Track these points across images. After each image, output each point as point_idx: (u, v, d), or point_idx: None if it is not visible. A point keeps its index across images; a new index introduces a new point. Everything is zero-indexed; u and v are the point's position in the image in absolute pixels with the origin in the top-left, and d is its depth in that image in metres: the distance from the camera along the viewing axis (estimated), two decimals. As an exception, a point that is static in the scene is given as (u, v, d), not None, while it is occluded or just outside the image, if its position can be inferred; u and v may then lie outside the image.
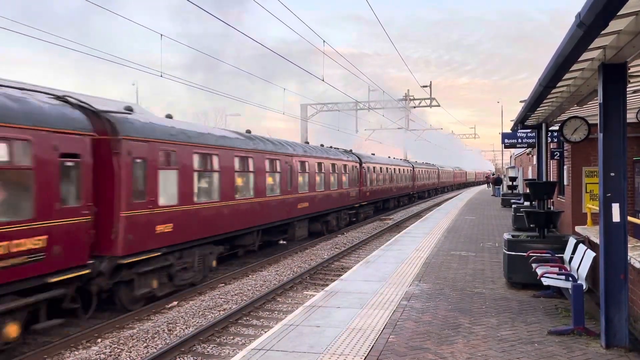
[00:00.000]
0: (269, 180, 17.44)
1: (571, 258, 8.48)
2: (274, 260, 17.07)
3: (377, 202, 33.36)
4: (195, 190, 12.93)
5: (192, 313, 10.84)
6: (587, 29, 4.72)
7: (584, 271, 7.35)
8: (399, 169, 39.77)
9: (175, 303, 11.70)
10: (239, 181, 15.35)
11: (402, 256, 13.40)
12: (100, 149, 10.14)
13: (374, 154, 35.55)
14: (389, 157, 42.62)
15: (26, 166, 8.46)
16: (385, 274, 11.09)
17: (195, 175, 12.97)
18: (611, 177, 6.20)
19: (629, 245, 6.67)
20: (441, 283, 10.18)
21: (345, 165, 26.02)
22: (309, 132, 42.56)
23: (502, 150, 60.54)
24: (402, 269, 11.66)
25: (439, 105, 39.71)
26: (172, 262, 11.90)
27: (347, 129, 43.80)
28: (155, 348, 8.85)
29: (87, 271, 9.55)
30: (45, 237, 8.67)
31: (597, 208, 7.39)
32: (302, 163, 20.51)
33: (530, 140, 22.93)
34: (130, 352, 8.69)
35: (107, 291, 10.47)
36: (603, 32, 4.97)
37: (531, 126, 14.28)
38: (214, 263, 13.86)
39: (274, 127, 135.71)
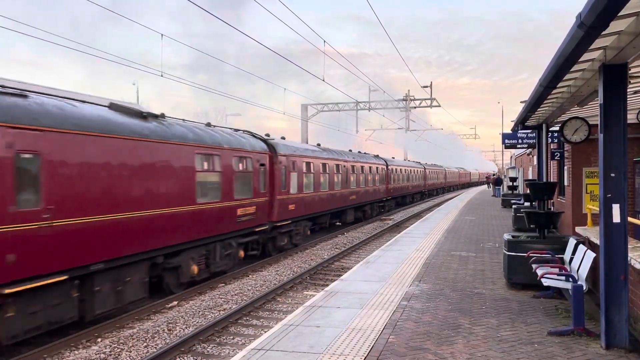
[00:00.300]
0: (335, 178, 24.42)
1: (571, 259, 8.48)
2: (274, 261, 17.08)
3: (397, 198, 39.72)
4: (312, 183, 21.24)
5: (192, 313, 10.84)
6: (588, 29, 4.71)
7: (584, 272, 7.35)
8: (414, 170, 46.18)
9: (175, 303, 11.70)
10: (322, 179, 22.60)
11: (402, 256, 13.40)
12: (269, 160, 17.34)
13: (394, 158, 43.19)
14: (404, 159, 49.13)
15: (248, 170, 15.71)
16: (385, 274, 11.09)
17: (305, 175, 20.44)
18: (611, 178, 6.20)
19: (629, 246, 6.67)
20: (441, 283, 10.17)
21: (377, 167, 32.63)
22: (309, 132, 42.57)
23: (503, 151, 60.53)
24: (402, 269, 11.66)
25: (439, 106, 39.70)
26: (292, 228, 19.07)
27: (348, 129, 43.83)
28: (155, 348, 8.86)
29: (266, 227, 16.90)
30: (254, 207, 15.95)
31: (598, 209, 7.39)
32: (352, 166, 27.17)
33: (531, 141, 22.92)
34: (130, 351, 8.69)
35: (263, 244, 17.28)
36: (604, 32, 4.96)
37: (532, 127, 14.29)
38: (308, 232, 21.28)
39: (273, 127, 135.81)
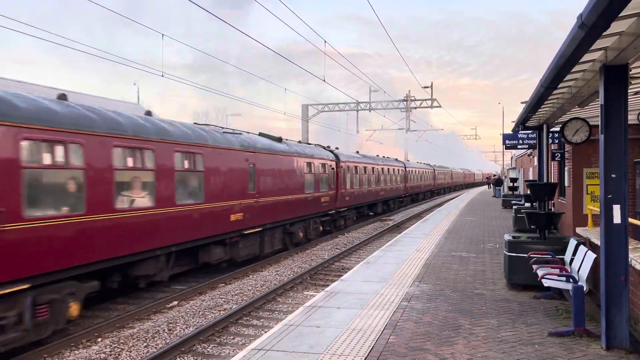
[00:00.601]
0: (372, 178, 31.00)
1: (572, 259, 8.48)
2: (274, 261, 17.08)
3: (412, 195, 46.63)
4: (358, 181, 27.79)
5: (192, 313, 10.84)
6: (589, 30, 4.71)
7: (584, 273, 7.35)
8: (426, 171, 53.73)
9: (175, 303, 11.70)
10: (364, 179, 29.24)
11: (402, 257, 13.39)
12: (335, 165, 23.97)
13: (408, 160, 51.40)
14: (417, 162, 55.33)
15: (326, 172, 22.23)
16: (385, 274, 11.09)
17: (357, 176, 27.76)
18: (612, 179, 6.20)
19: (629, 247, 6.67)
20: (442, 284, 10.17)
21: (398, 170, 39.48)
22: (309, 132, 42.55)
23: (503, 151, 60.49)
24: (402, 269, 11.65)
25: (439, 106, 39.71)
26: (346, 214, 25.84)
27: (348, 130, 43.79)
28: (156, 348, 8.85)
29: (333, 211, 23.53)
30: (328, 197, 22.61)
31: (598, 209, 7.39)
32: (382, 168, 33.80)
33: (531, 142, 22.93)
34: (131, 351, 8.69)
35: (329, 224, 23.67)
36: (605, 33, 4.96)
37: (532, 127, 14.28)
38: (354, 218, 27.77)
39: (275, 127, 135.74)
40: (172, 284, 14.06)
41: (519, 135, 22.94)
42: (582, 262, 7.64)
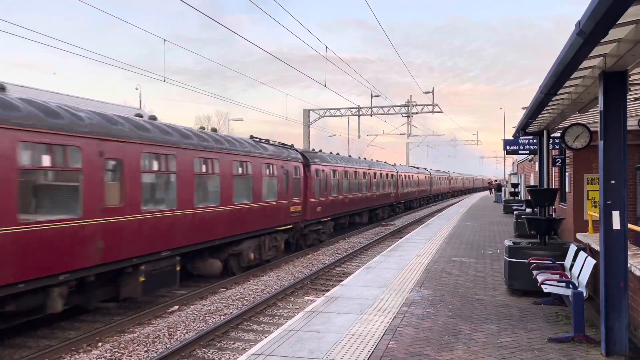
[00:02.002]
0: (354, 183, 28.65)
1: (572, 265, 8.48)
2: (275, 265, 17.08)
3: (434, 196, 60.18)
4: (335, 188, 25.05)
5: (192, 317, 10.85)
6: (587, 37, 4.74)
7: (584, 278, 7.35)
8: (442, 177, 66.96)
9: (176, 307, 11.72)
10: (352, 184, 28.24)
11: (403, 262, 13.39)
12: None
13: (431, 169, 62.97)
14: (436, 170, 67.38)
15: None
16: (386, 279, 11.09)
17: (335, 181, 24.97)
18: (611, 185, 6.21)
19: (629, 253, 6.68)
20: (442, 289, 10.17)
21: (425, 176, 52.72)
22: (311, 137, 42.58)
23: (505, 157, 60.43)
24: (403, 275, 11.66)
25: (441, 112, 39.75)
26: (320, 228, 22.39)
27: (349, 134, 43.79)
28: (156, 352, 8.86)
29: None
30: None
31: (598, 215, 7.39)
32: (367, 173, 31.84)
33: (532, 147, 22.93)
34: (131, 356, 8.70)
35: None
36: (603, 40, 4.99)
37: (533, 133, 14.30)
38: (332, 231, 24.63)
39: (275, 132, 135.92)
40: (172, 289, 14.07)
41: (520, 141, 22.94)
42: (582, 268, 7.64)
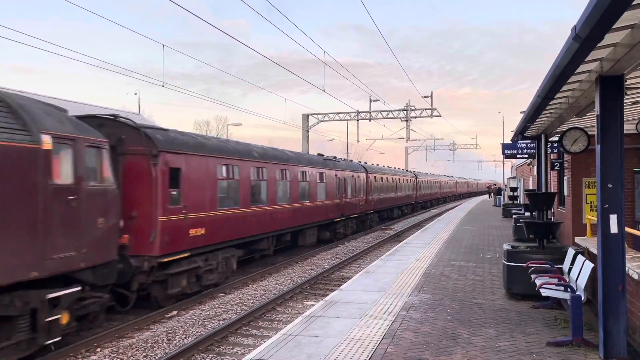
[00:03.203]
0: (440, 185, 58.01)
1: (570, 269, 8.49)
2: (274, 270, 17.07)
3: (454, 196, 77.65)
4: (423, 187, 48.82)
5: (191, 322, 10.84)
6: (583, 41, 4.76)
7: (582, 282, 7.36)
8: (449, 181, 77.39)
9: (175, 312, 11.70)
10: (432, 187, 53.27)
11: (402, 266, 13.40)
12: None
13: (452, 175, 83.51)
14: (452, 176, 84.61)
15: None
16: (385, 284, 11.09)
17: (426, 185, 50.89)
18: (609, 188, 6.23)
19: (627, 256, 6.69)
20: (441, 293, 10.17)
21: (449, 181, 73.57)
22: (310, 141, 42.62)
23: (503, 161, 60.50)
24: (401, 279, 11.66)
25: (439, 116, 39.81)
26: (372, 217, 31.68)
27: (348, 139, 43.88)
28: (155, 358, 8.85)
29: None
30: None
31: (596, 219, 7.40)
32: (446, 182, 62.26)
33: (531, 151, 22.96)
34: (129, 361, 8.68)
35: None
36: (599, 44, 5.01)
37: (531, 137, 14.32)
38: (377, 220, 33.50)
39: (274, 136, 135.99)
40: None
41: (519, 145, 22.98)
42: (580, 271, 7.65)
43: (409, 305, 9.18)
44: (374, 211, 31.99)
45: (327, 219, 23.16)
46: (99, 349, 9.33)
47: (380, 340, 7.19)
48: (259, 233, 16.46)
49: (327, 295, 11.23)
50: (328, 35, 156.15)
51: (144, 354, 9.03)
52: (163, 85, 20.88)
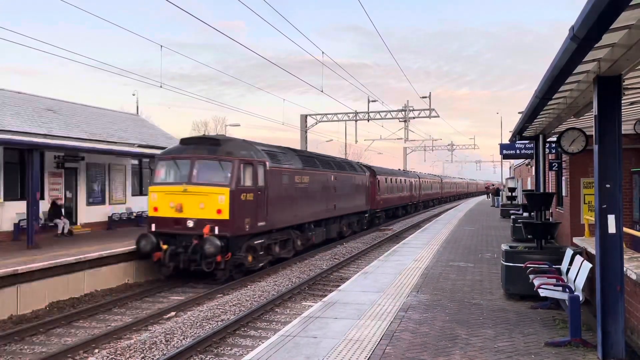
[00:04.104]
0: (450, 185, 73.87)
1: (568, 269, 8.49)
2: (273, 271, 17.06)
3: (449, 197, 77.42)
4: (389, 190, 39.33)
5: (189, 323, 10.82)
6: (581, 42, 4.75)
7: (580, 282, 7.36)
8: (452, 182, 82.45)
9: (173, 314, 11.69)
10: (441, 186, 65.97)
11: (400, 267, 13.39)
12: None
13: (452, 176, 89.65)
14: (453, 176, 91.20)
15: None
16: (383, 284, 11.09)
17: (388, 185, 40.50)
18: (606, 189, 6.22)
19: (625, 257, 6.69)
20: (439, 294, 10.17)
21: (462, 183, 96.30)
22: (308, 142, 42.60)
23: (502, 161, 60.54)
24: (400, 279, 11.65)
25: (438, 116, 39.82)
26: (380, 215, 35.67)
27: (347, 139, 43.94)
28: (153, 359, 8.83)
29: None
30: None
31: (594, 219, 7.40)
32: (462, 183, 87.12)
33: (529, 152, 22.97)
34: (127, 362, 8.66)
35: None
36: (597, 45, 5.00)
37: (529, 137, 14.33)
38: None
39: (273, 137, 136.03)
40: (169, 295, 14.05)
41: (517, 145, 23.00)
42: (579, 272, 7.65)
43: (408, 306, 9.17)
44: (380, 210, 36.35)
45: (358, 211, 29.21)
46: (96, 350, 9.31)
47: (378, 341, 7.18)
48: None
49: (325, 296, 11.22)
50: (326, 36, 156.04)
51: (142, 355, 9.00)
52: (161, 86, 20.86)
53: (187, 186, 14.87)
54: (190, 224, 14.70)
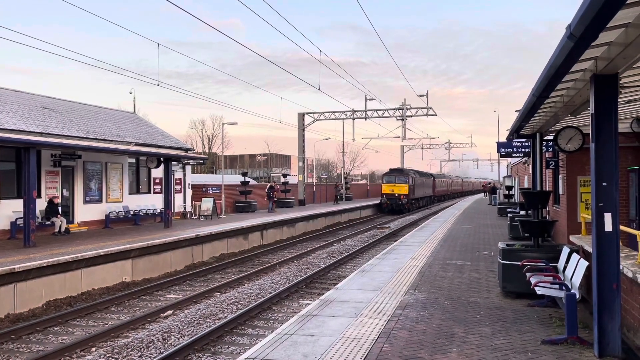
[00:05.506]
0: (458, 184, 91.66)
1: (565, 267, 8.51)
2: (270, 269, 17.07)
3: (456, 193, 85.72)
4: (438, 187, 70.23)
5: (187, 322, 10.82)
6: (578, 40, 4.76)
7: (577, 280, 7.37)
8: (460, 180, 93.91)
9: (170, 312, 11.69)
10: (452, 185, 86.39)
11: (397, 265, 13.40)
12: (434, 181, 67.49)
13: (460, 176, 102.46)
14: (460, 176, 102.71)
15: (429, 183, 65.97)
16: (380, 282, 11.10)
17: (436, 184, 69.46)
18: (603, 187, 6.24)
19: (622, 255, 6.71)
20: (436, 292, 10.18)
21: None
22: (305, 140, 42.60)
23: (499, 160, 60.63)
24: (397, 277, 11.66)
25: (435, 114, 39.84)
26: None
27: (344, 138, 43.95)
28: (150, 357, 8.83)
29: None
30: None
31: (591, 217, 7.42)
32: (454, 181, 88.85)
33: (526, 150, 22.98)
34: (125, 361, 8.66)
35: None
36: (593, 43, 5.01)
37: (526, 136, 14.33)
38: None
39: (270, 135, 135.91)
40: (167, 293, 14.06)
41: (514, 144, 22.98)
42: (575, 269, 7.67)
43: (405, 304, 9.18)
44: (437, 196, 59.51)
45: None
46: (94, 349, 9.31)
47: (375, 339, 7.19)
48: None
49: (322, 294, 11.23)
50: (323, 35, 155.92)
51: (139, 353, 9.00)
52: (158, 84, 20.82)
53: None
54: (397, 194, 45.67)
